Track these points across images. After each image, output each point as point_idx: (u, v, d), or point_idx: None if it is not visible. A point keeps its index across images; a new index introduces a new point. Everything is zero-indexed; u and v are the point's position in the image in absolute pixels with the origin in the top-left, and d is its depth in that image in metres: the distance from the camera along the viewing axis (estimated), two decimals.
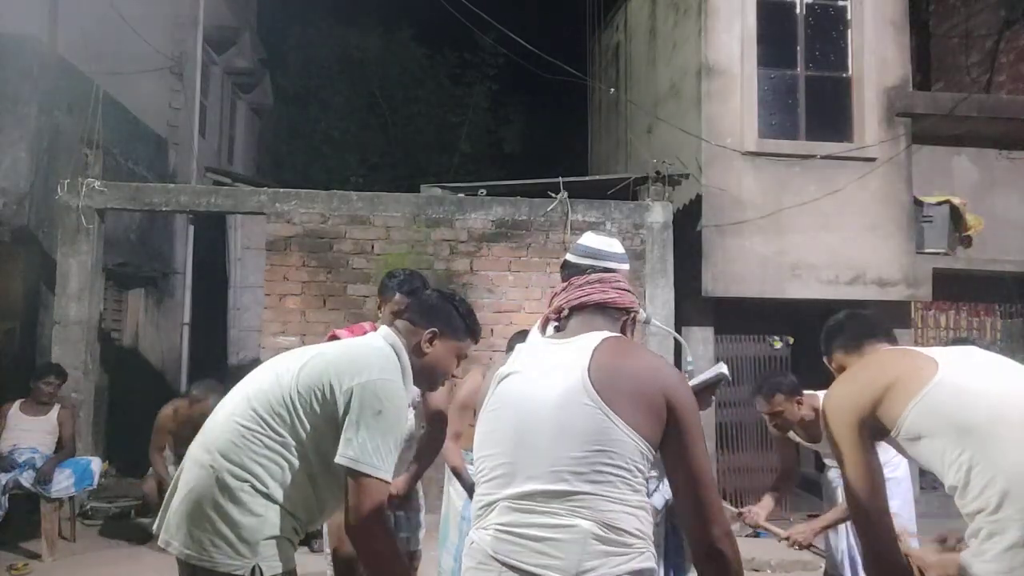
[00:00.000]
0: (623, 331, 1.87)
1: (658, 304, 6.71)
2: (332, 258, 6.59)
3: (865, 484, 1.90)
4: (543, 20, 14.30)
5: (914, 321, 7.92)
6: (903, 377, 1.88)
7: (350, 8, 15.82)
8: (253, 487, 2.00)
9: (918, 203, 7.62)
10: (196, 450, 2.11)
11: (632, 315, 1.91)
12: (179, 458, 5.40)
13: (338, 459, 1.97)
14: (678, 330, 6.78)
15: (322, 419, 2.03)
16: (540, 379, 1.67)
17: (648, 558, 1.58)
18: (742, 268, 7.31)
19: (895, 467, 3.60)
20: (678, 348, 5.44)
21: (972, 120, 7.67)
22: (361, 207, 6.69)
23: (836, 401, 2.00)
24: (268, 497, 2.01)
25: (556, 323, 1.90)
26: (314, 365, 2.09)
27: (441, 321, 2.25)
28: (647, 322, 3.09)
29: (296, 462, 2.04)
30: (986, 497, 1.69)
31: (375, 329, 2.69)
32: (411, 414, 2.25)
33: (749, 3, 7.57)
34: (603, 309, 1.85)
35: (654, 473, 3.77)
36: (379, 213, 6.68)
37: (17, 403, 5.71)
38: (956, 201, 7.64)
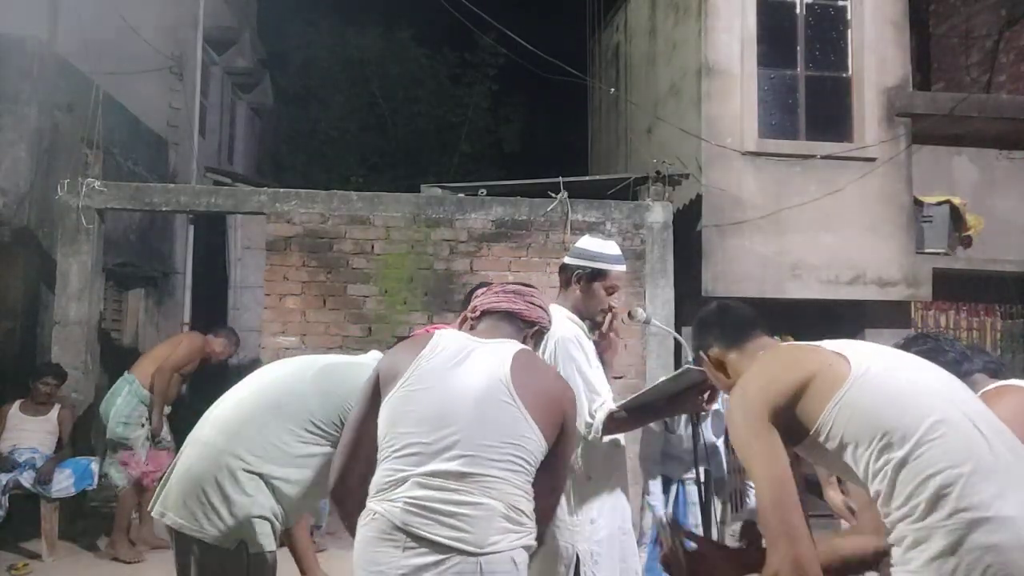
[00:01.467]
0: (524, 341, 2.04)
1: (658, 304, 6.71)
2: (332, 258, 6.59)
3: (784, 485, 1.64)
4: (543, 20, 14.28)
5: (914, 321, 7.92)
6: (818, 374, 1.69)
7: (350, 8, 15.83)
8: (250, 469, 2.15)
9: (918, 203, 7.62)
10: (202, 431, 2.27)
11: (536, 328, 2.10)
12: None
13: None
14: (678, 330, 6.75)
15: (339, 427, 2.15)
16: (464, 372, 1.84)
17: (533, 536, 1.81)
18: (742, 268, 7.31)
19: None
20: (678, 348, 5.44)
21: (972, 120, 7.67)
22: (361, 207, 6.69)
23: (745, 395, 1.75)
24: (262, 478, 2.15)
25: (472, 323, 2.11)
26: (335, 379, 2.26)
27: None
28: (647, 322, 3.09)
29: (303, 457, 2.19)
30: (912, 504, 1.55)
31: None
32: None
33: (749, 3, 7.56)
34: (510, 318, 2.05)
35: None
36: (379, 213, 6.67)
37: (17, 403, 5.71)
38: (956, 201, 7.64)
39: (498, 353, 1.88)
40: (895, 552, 1.60)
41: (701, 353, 2.06)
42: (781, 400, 1.70)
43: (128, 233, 8.50)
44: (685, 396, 2.50)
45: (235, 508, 2.11)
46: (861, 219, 7.44)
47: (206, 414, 2.35)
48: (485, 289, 2.16)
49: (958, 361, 2.36)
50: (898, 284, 7.45)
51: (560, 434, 1.86)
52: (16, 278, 6.78)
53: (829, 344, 1.78)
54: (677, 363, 5.22)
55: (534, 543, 1.81)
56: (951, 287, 7.79)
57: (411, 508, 1.69)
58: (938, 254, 7.58)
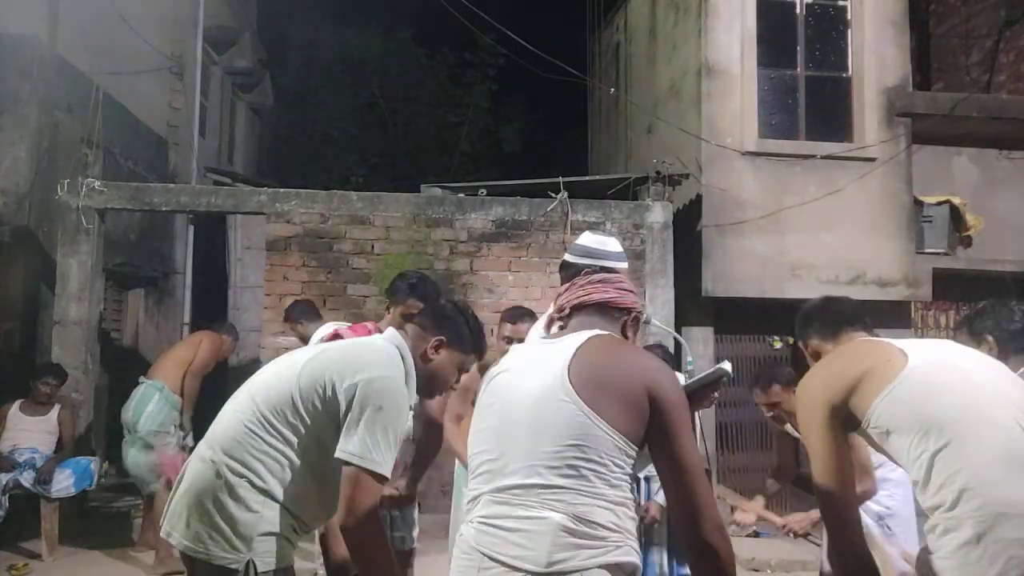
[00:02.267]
0: (624, 331, 1.87)
1: (658, 304, 6.71)
2: (332, 258, 6.59)
3: (833, 475, 1.86)
4: (543, 20, 14.28)
5: (914, 321, 7.92)
6: (874, 368, 1.84)
7: (350, 8, 15.82)
8: (251, 483, 2.03)
9: (918, 203, 7.61)
10: (201, 446, 2.15)
11: (633, 315, 1.90)
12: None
13: (337, 453, 1.99)
14: (678, 330, 6.78)
15: (324, 416, 2.05)
16: (524, 376, 1.71)
17: (626, 552, 1.57)
18: (742, 268, 7.31)
19: (893, 467, 3.60)
20: (678, 348, 5.43)
21: (972, 120, 7.67)
22: (361, 207, 6.69)
23: (808, 389, 1.97)
24: (266, 494, 2.04)
25: (560, 323, 1.91)
26: (317, 363, 2.11)
27: (450, 331, 2.26)
28: (647, 322, 3.08)
29: (298, 460, 2.07)
30: (943, 494, 1.67)
31: (378, 330, 2.68)
32: (409, 416, 2.26)
33: (749, 3, 7.56)
34: (603, 309, 1.85)
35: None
36: (379, 213, 6.68)
37: (17, 403, 5.72)
38: (956, 201, 7.63)
39: (564, 347, 1.69)
40: (929, 539, 1.72)
41: (800, 343, 2.14)
42: (837, 396, 1.86)
43: (128, 233, 8.50)
44: (703, 393, 2.50)
45: (240, 527, 2.00)
46: (861, 219, 7.44)
47: (212, 425, 2.23)
48: (568, 284, 1.94)
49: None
50: (898, 284, 7.45)
51: (653, 412, 1.59)
52: (16, 278, 6.78)
53: (900, 342, 1.93)
54: (678, 363, 5.21)
55: (626, 559, 1.56)
56: (951, 287, 7.79)
57: (482, 527, 1.61)
58: (938, 254, 7.58)
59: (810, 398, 1.94)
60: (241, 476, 2.03)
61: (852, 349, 2.03)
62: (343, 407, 2.02)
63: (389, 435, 2.02)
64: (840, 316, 2.18)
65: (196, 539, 2.02)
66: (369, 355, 2.13)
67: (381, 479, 2.00)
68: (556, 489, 1.54)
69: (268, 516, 2.03)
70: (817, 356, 2.14)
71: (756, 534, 6.65)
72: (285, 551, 2.10)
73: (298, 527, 2.13)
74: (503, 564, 1.55)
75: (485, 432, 1.72)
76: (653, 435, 1.60)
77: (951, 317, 8.08)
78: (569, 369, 1.62)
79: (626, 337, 1.87)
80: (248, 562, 2.01)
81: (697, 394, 2.56)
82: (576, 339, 1.71)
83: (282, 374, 2.14)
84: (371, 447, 1.98)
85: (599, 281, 1.89)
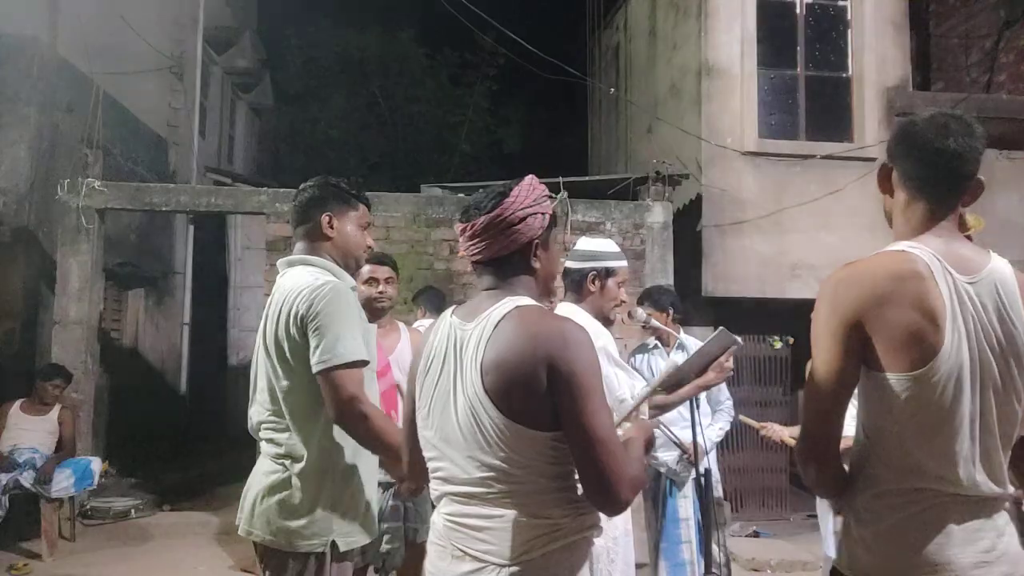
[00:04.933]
0: (530, 263, 1.70)
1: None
2: None
3: (829, 385, 1.55)
4: (543, 20, 14.30)
5: None
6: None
7: (350, 8, 15.82)
8: (289, 465, 2.10)
9: None
10: (261, 443, 2.23)
11: (533, 241, 1.69)
12: None
13: (313, 371, 2.04)
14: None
15: (304, 363, 2.09)
16: (446, 381, 1.67)
17: (571, 531, 1.60)
18: (742, 268, 7.31)
19: None
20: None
21: None
22: None
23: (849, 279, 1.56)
24: (307, 470, 2.09)
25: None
26: (271, 326, 2.17)
27: (329, 203, 2.29)
28: (646, 324, 3.11)
29: (308, 423, 2.12)
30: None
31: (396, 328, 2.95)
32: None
33: (749, 3, 7.56)
34: (499, 262, 1.70)
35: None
36: (379, 213, 6.67)
37: (17, 403, 5.72)
38: None
39: (474, 341, 1.62)
40: None
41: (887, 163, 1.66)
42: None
43: (128, 233, 8.50)
44: (711, 365, 2.52)
45: (314, 511, 2.08)
46: (861, 219, 7.43)
47: None
48: (461, 229, 1.76)
49: None
50: None
51: (551, 382, 1.52)
52: (16, 278, 6.78)
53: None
54: None
55: (574, 538, 1.61)
56: None
57: (449, 524, 1.67)
58: None
59: (842, 295, 1.59)
60: (280, 459, 2.11)
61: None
62: (308, 339, 2.07)
63: (347, 326, 2.07)
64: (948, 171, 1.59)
65: (278, 532, 2.08)
66: (295, 286, 2.14)
67: (355, 365, 2.05)
68: (503, 493, 1.59)
69: (332, 493, 2.09)
70: (888, 190, 1.68)
71: (756, 534, 6.65)
72: (364, 522, 2.16)
73: (363, 484, 2.18)
74: (473, 558, 1.62)
75: (428, 441, 1.72)
76: (559, 404, 1.53)
77: None
78: (483, 374, 1.58)
79: (534, 270, 1.71)
80: (331, 542, 2.08)
81: (707, 369, 2.58)
82: (482, 327, 1.62)
83: (260, 353, 2.22)
84: (333, 344, 2.03)
85: (481, 230, 1.68)
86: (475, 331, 1.63)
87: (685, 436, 3.77)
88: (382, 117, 16.15)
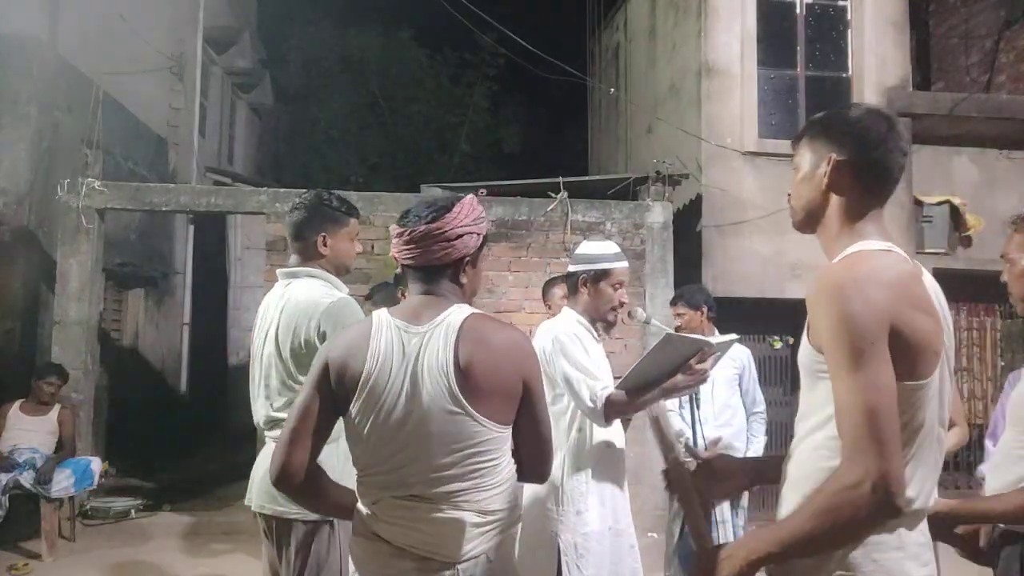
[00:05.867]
0: (458, 278, 1.77)
1: (658, 304, 6.70)
2: None
3: (889, 399, 1.33)
4: (543, 20, 14.30)
5: None
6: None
7: (350, 8, 15.84)
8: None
9: (918, 203, 7.61)
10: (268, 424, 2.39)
11: (465, 258, 1.77)
12: None
13: None
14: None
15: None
16: (406, 384, 1.64)
17: (510, 523, 1.73)
18: (742, 268, 7.31)
19: None
20: None
21: (972, 120, 7.66)
22: (361, 207, 6.62)
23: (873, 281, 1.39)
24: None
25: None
26: (287, 335, 2.33)
27: (320, 220, 2.45)
28: (647, 322, 3.11)
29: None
30: None
31: None
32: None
33: (749, 3, 7.56)
34: (430, 270, 1.75)
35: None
36: (379, 213, 6.67)
37: (17, 403, 5.72)
38: (956, 201, 7.63)
39: (438, 348, 1.63)
40: None
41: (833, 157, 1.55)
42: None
43: (128, 233, 8.50)
44: (681, 368, 2.42)
45: None
46: None
47: None
48: (398, 233, 1.77)
49: None
50: None
51: (525, 393, 1.69)
52: (16, 278, 6.78)
53: None
54: None
55: (505, 535, 1.72)
56: (951, 287, 7.67)
57: (391, 522, 1.67)
58: (938, 254, 7.57)
59: (871, 298, 1.40)
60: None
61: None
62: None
63: None
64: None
65: (288, 502, 2.15)
66: (307, 304, 2.32)
67: None
68: (460, 492, 1.63)
69: (338, 465, 2.12)
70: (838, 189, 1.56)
71: None
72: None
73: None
74: (414, 554, 1.63)
75: (372, 446, 1.66)
76: (521, 407, 1.70)
77: (951, 317, 8.07)
78: (456, 379, 1.60)
79: (461, 284, 1.78)
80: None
81: (675, 372, 2.56)
82: (443, 332, 1.64)
83: (271, 348, 2.39)
84: None
85: (420, 238, 1.72)
86: (434, 335, 1.66)
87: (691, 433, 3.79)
88: (382, 117, 16.16)
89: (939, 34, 10.01)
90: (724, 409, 4.10)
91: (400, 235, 1.76)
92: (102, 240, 6.73)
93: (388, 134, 16.19)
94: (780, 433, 6.45)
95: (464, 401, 1.61)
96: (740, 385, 4.23)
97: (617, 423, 2.64)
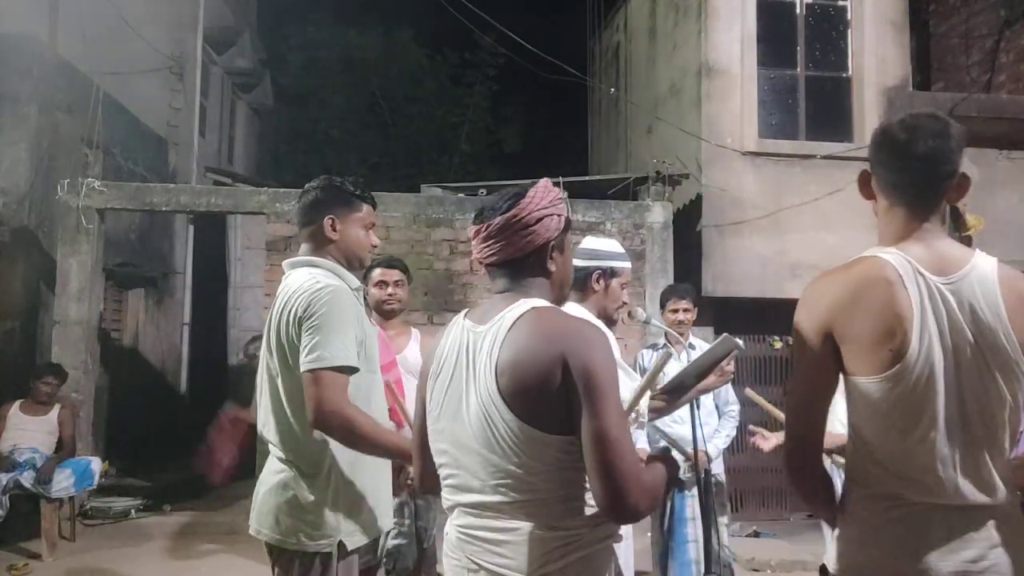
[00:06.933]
0: (545, 266, 1.67)
1: (658, 304, 6.69)
2: None
3: (804, 391, 1.64)
4: (543, 20, 14.30)
5: None
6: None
7: (350, 8, 15.83)
8: (311, 467, 2.11)
9: None
10: (269, 445, 2.24)
11: (550, 243, 1.66)
12: None
13: (301, 371, 2.04)
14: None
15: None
16: (460, 384, 1.62)
17: (589, 542, 1.55)
18: (742, 268, 7.31)
19: None
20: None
21: (972, 120, 7.63)
22: None
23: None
24: (311, 470, 2.11)
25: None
26: (274, 328, 2.17)
27: (331, 204, 2.28)
28: (647, 322, 3.10)
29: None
30: None
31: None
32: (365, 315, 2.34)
33: (749, 3, 7.56)
34: (510, 267, 1.66)
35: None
36: (379, 213, 6.60)
37: (17, 403, 5.72)
38: None
39: (487, 342, 1.58)
40: None
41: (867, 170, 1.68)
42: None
43: (128, 233, 8.50)
44: (713, 369, 2.50)
45: (322, 511, 2.09)
46: (861, 219, 7.41)
47: None
48: (475, 231, 1.72)
49: None
50: None
51: (570, 384, 1.47)
52: (16, 278, 6.78)
53: None
54: None
55: (592, 549, 1.56)
56: None
57: (463, 536, 1.62)
58: None
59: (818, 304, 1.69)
60: (287, 463, 2.12)
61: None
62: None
63: (340, 330, 2.05)
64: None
65: (287, 532, 2.08)
66: (295, 289, 2.14)
67: (341, 370, 2.03)
68: (519, 503, 1.53)
69: (338, 491, 2.10)
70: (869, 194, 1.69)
71: (756, 534, 6.65)
72: (366, 522, 2.16)
73: (370, 481, 2.18)
74: (489, 571, 1.57)
75: (439, 448, 1.67)
76: (573, 404, 1.48)
77: None
78: (497, 377, 1.53)
79: (549, 273, 1.67)
80: (339, 543, 2.09)
81: (707, 373, 2.59)
82: (496, 329, 1.57)
83: (265, 357, 2.22)
84: (321, 346, 2.01)
85: (497, 230, 1.64)
86: (488, 333, 1.59)
87: (683, 432, 3.77)
88: (382, 117, 16.16)
89: (939, 34, 10.01)
90: (710, 414, 4.25)
91: (478, 232, 1.67)
92: (102, 240, 6.73)
93: (388, 134, 16.19)
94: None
95: (505, 405, 1.51)
96: None
97: None
